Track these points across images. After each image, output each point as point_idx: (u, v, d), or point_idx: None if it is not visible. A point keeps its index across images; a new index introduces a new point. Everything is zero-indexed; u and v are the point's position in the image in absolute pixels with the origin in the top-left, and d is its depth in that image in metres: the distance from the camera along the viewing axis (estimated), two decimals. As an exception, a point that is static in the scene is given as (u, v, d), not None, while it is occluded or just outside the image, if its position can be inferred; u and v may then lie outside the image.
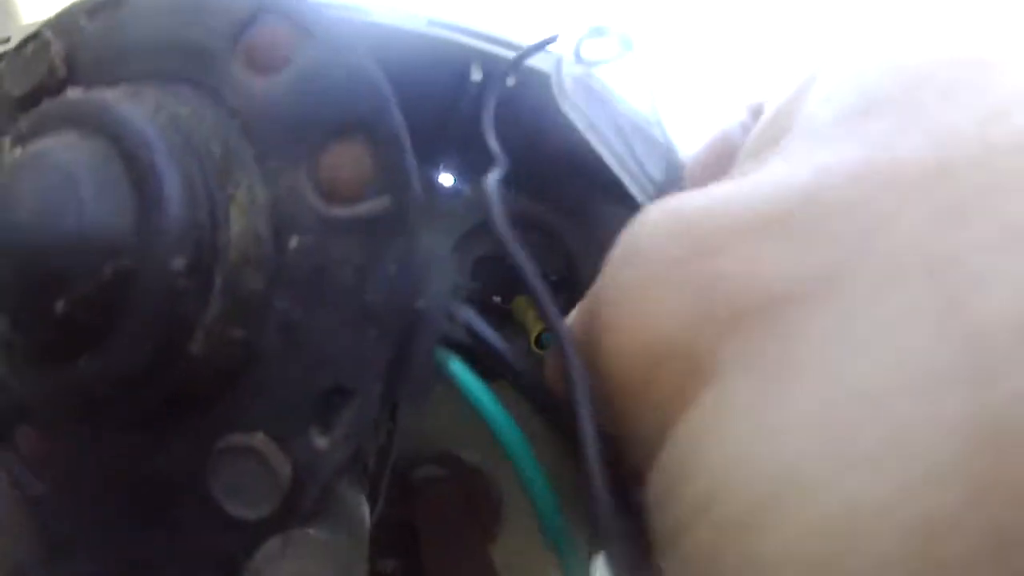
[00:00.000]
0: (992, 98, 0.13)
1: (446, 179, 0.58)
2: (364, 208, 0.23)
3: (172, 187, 0.20)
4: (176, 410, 0.23)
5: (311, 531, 0.22)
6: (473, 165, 0.57)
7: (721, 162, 0.23)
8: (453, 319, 0.25)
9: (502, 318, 0.56)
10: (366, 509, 0.26)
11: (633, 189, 0.30)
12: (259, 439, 0.22)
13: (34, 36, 0.26)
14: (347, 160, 0.23)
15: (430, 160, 0.57)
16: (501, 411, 0.25)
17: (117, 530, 0.25)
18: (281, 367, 0.23)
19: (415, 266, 0.23)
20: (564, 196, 0.55)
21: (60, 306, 0.19)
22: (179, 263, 0.20)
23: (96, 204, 0.19)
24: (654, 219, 0.17)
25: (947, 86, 0.14)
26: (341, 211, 0.23)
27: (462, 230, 0.58)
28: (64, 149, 0.20)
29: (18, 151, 0.20)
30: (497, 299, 0.56)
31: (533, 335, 0.52)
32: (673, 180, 0.30)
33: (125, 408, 0.23)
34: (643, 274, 0.17)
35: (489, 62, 0.40)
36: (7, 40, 0.37)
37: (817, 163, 0.15)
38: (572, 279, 0.57)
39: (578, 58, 0.32)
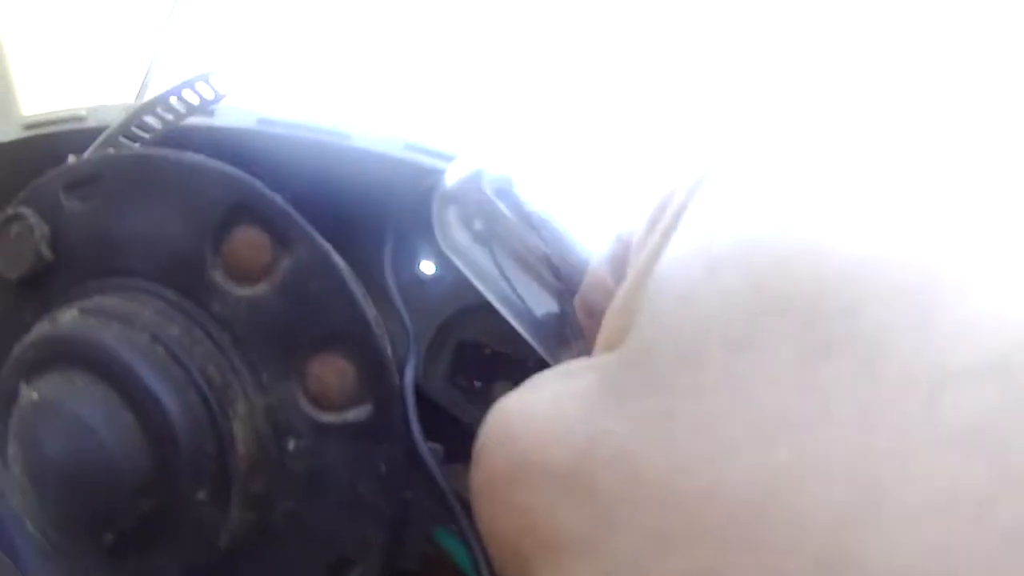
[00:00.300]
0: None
1: (427, 267, 0.60)
2: (351, 415, 0.26)
3: (181, 431, 0.23)
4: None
5: None
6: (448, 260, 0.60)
7: (617, 272, 0.23)
8: (443, 498, 0.27)
9: (479, 398, 0.59)
10: None
11: (520, 330, 0.31)
12: None
13: (16, 216, 0.28)
14: (331, 371, 0.26)
15: (413, 255, 0.60)
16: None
17: None
18: (290, 546, 0.26)
19: (403, 464, 0.26)
20: None
21: (108, 537, 0.23)
22: (202, 495, 0.23)
23: (117, 452, 0.22)
24: (492, 426, 0.19)
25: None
26: (331, 417, 0.26)
27: (445, 314, 0.61)
28: (77, 399, 0.22)
29: (34, 395, 0.22)
30: (478, 384, 0.59)
31: None
32: (568, 288, 0.29)
33: None
34: (481, 479, 0.18)
35: None
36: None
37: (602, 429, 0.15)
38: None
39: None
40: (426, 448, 0.27)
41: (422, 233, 0.55)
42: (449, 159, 0.41)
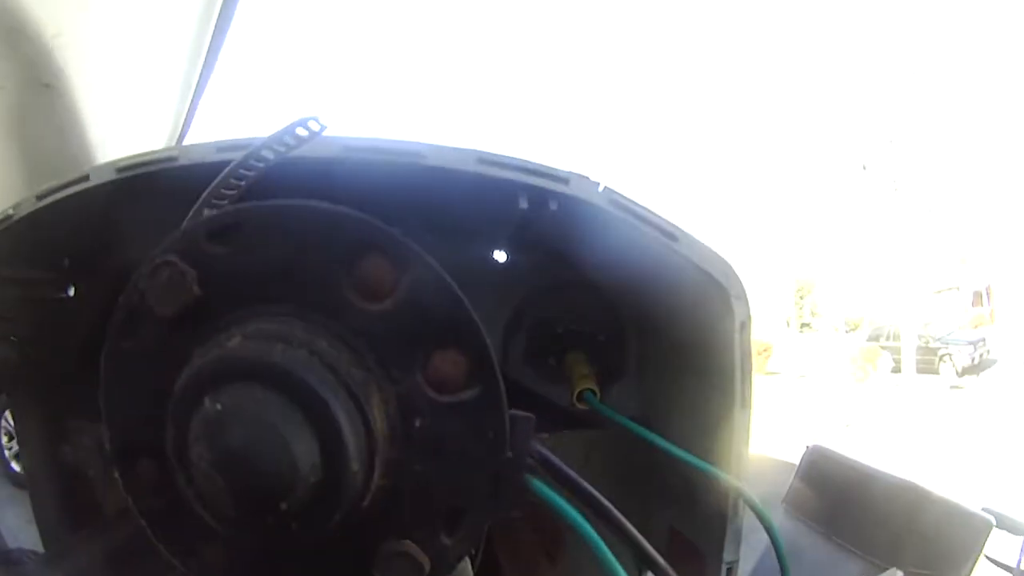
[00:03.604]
0: None
1: (500, 255, 0.66)
2: (465, 396, 0.34)
3: (340, 420, 0.30)
4: (342, 530, 0.34)
5: None
6: (521, 246, 0.66)
7: None
8: (532, 456, 0.36)
9: (553, 374, 0.66)
10: (470, 569, 0.41)
11: None
12: (408, 545, 0.34)
13: (165, 263, 0.34)
14: (448, 363, 0.33)
15: (489, 246, 0.66)
16: (576, 514, 0.36)
17: None
18: (417, 499, 0.34)
19: (504, 429, 0.34)
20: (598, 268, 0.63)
21: (284, 505, 0.30)
22: (355, 465, 0.31)
23: (294, 442, 0.30)
24: None
25: None
26: (449, 399, 0.34)
27: (519, 295, 0.67)
28: (259, 406, 0.30)
29: (217, 405, 0.30)
30: (552, 361, 0.66)
31: (575, 392, 0.61)
32: None
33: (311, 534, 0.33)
34: None
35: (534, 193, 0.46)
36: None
37: None
38: (617, 333, 0.65)
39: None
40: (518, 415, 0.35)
41: (493, 225, 0.61)
42: (516, 166, 0.46)
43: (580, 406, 0.59)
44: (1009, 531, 2.20)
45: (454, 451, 0.34)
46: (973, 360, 10.95)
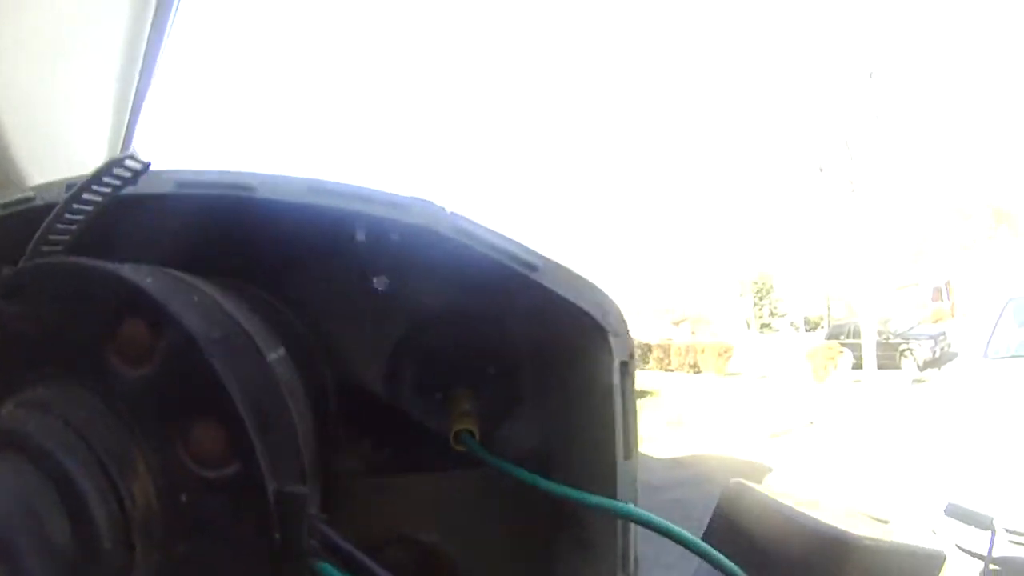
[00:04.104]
0: None
1: (380, 282, 0.60)
2: (227, 471, 0.30)
3: (89, 495, 0.28)
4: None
5: None
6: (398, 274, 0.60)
7: None
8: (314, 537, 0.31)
9: (442, 409, 0.59)
10: None
11: None
12: None
13: None
14: (208, 436, 0.30)
15: (366, 272, 0.60)
16: None
17: None
18: None
19: (268, 509, 0.30)
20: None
21: None
22: (108, 544, 0.29)
23: (43, 515, 0.27)
24: None
25: None
26: (211, 473, 0.30)
27: (403, 324, 0.61)
28: (17, 479, 0.28)
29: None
30: (439, 396, 0.59)
31: (453, 431, 0.54)
32: None
33: None
34: None
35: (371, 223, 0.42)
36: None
37: None
38: (509, 366, 0.60)
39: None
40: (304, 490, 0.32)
41: (369, 253, 0.56)
42: (350, 194, 0.41)
43: (458, 447, 0.54)
44: (977, 527, 2.20)
45: (219, 532, 0.30)
46: (934, 353, 11.21)
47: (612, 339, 0.42)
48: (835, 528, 0.90)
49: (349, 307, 0.59)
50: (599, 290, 0.43)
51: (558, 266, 0.42)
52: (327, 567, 0.31)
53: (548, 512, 0.58)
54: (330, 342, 0.59)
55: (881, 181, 11.16)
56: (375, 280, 0.61)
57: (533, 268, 0.41)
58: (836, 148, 11.09)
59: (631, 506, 0.44)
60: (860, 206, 10.89)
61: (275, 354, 0.38)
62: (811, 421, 7.33)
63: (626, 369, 0.43)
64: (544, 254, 0.42)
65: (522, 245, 0.41)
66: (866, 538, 0.86)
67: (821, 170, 11.18)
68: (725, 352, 12.41)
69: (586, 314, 0.42)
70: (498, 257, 0.41)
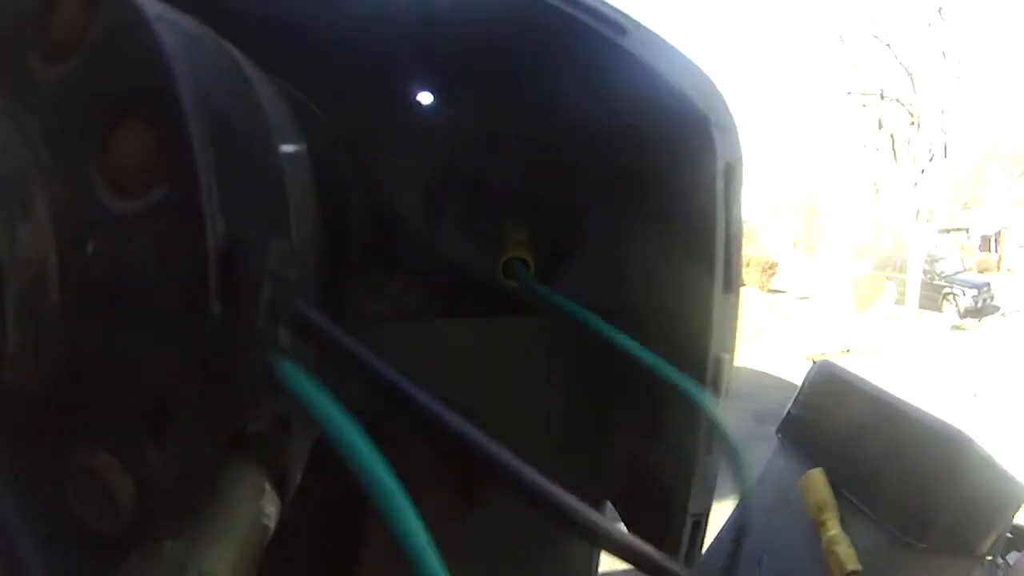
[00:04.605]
0: None
1: (425, 97, 0.51)
2: (150, 197, 0.19)
3: None
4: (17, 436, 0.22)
5: (168, 544, 0.21)
6: (454, 83, 0.50)
7: None
8: (285, 314, 0.21)
9: (487, 244, 0.51)
10: (267, 511, 0.24)
11: None
12: (101, 456, 0.21)
13: None
14: (131, 144, 0.20)
15: (408, 78, 0.50)
16: (340, 413, 0.21)
17: None
18: (100, 384, 0.21)
19: (205, 258, 0.19)
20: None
21: None
22: None
23: None
24: None
25: None
26: (130, 205, 0.20)
27: (449, 147, 0.53)
28: None
29: None
30: (484, 227, 0.51)
31: (502, 260, 0.48)
32: None
33: None
34: None
35: None
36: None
37: None
38: (571, 197, 0.51)
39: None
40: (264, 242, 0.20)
41: (422, 53, 0.46)
42: None
43: (508, 281, 0.46)
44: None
45: (136, 299, 0.20)
46: (976, 303, 10.82)
47: (716, 133, 0.33)
48: (952, 425, 0.72)
49: (386, 123, 0.50)
50: (701, 70, 0.33)
51: (652, 33, 0.33)
52: (291, 368, 0.21)
53: (607, 380, 0.51)
54: (367, 165, 0.50)
55: (942, 121, 10.47)
56: (418, 94, 0.52)
57: (622, 31, 0.32)
58: (900, 79, 10.40)
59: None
60: (919, 140, 10.29)
61: (291, 147, 0.29)
62: (848, 349, 7.21)
63: (732, 175, 0.33)
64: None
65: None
66: (981, 446, 0.70)
67: (882, 96, 10.52)
68: (770, 268, 12.08)
69: (686, 98, 0.33)
70: (578, 14, 0.31)
